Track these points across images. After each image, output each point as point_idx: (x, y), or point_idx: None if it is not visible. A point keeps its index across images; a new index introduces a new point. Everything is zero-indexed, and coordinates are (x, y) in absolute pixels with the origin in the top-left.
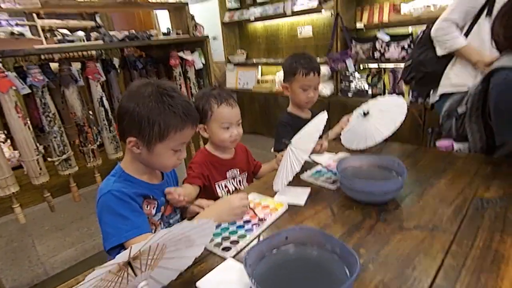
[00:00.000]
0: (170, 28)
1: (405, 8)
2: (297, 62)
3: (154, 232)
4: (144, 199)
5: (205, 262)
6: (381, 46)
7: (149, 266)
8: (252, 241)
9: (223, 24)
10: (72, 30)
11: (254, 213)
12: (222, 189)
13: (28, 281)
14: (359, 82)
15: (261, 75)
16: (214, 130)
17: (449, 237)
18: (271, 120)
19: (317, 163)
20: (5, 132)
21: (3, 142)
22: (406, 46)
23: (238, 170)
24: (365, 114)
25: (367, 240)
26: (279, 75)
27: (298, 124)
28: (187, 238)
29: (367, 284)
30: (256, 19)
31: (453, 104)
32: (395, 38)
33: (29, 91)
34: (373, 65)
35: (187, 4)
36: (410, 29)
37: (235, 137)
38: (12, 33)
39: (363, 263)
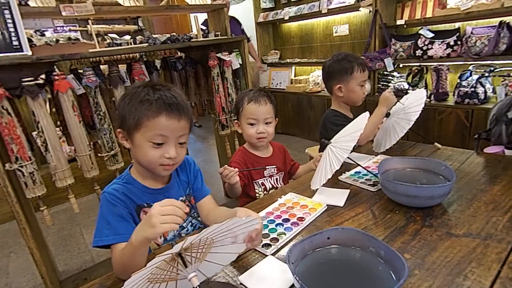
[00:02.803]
0: (208, 29)
1: (452, 2)
2: (351, 60)
3: (161, 238)
4: (141, 209)
5: (246, 258)
6: (424, 44)
7: (197, 259)
8: (291, 239)
9: (257, 24)
10: (118, 34)
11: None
12: (260, 186)
13: (77, 266)
14: (398, 81)
15: (295, 75)
16: (243, 125)
17: (506, 247)
18: (304, 121)
19: (356, 164)
20: (61, 129)
21: (60, 138)
22: (452, 43)
23: (275, 168)
24: (387, 116)
25: (412, 245)
26: (313, 75)
27: (346, 121)
28: (233, 234)
29: None
30: (291, 19)
31: (502, 107)
32: (439, 34)
33: (84, 91)
34: (414, 64)
35: (225, 5)
36: (457, 24)
37: (262, 135)
38: (69, 38)
39: (408, 268)
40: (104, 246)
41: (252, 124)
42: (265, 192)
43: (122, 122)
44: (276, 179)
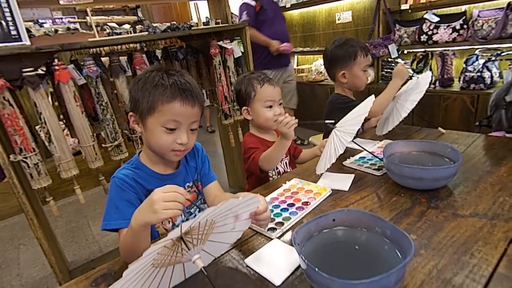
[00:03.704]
0: (209, 17)
1: None
2: (354, 45)
3: (169, 223)
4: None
5: (252, 242)
6: (429, 28)
7: (200, 241)
8: (296, 223)
9: None
10: (118, 25)
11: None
12: (274, 170)
13: (86, 256)
14: None
15: (297, 64)
16: (258, 110)
17: None
18: (307, 110)
19: (361, 149)
20: (64, 122)
21: (63, 131)
22: (458, 27)
23: None
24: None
25: (417, 227)
26: (316, 63)
27: (352, 104)
28: (234, 214)
29: (420, 270)
30: (293, 6)
31: (500, 93)
32: (445, 18)
33: (85, 81)
34: (419, 50)
35: None
36: (463, 7)
37: (278, 116)
38: (68, 29)
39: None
40: (112, 229)
41: (269, 107)
42: (278, 175)
43: (135, 105)
44: (286, 163)
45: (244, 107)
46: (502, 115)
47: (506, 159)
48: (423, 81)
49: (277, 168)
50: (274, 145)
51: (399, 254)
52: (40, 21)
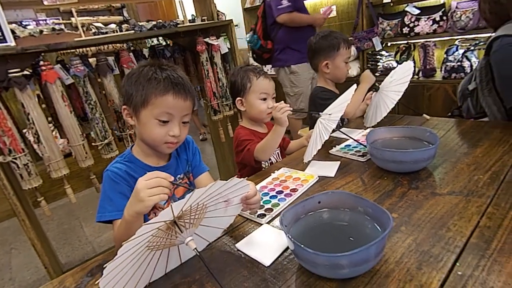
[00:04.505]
0: (195, 15)
1: None
2: (337, 37)
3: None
4: None
5: (242, 228)
6: (410, 21)
7: (192, 225)
8: (285, 209)
9: (245, 10)
10: (104, 24)
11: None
12: (267, 161)
13: (79, 257)
14: (386, 60)
15: None
16: (252, 101)
17: (486, 201)
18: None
19: (347, 138)
20: (53, 122)
21: (52, 131)
22: (438, 19)
23: None
24: (376, 90)
25: (399, 206)
26: None
27: (333, 96)
28: (224, 198)
29: (400, 244)
30: None
31: (464, 83)
32: (425, 10)
33: (73, 81)
34: (402, 42)
35: None
36: None
37: (271, 109)
38: (53, 29)
39: (395, 226)
40: (107, 221)
41: (263, 100)
42: (271, 165)
43: (128, 99)
44: (278, 153)
45: (238, 98)
46: (469, 103)
47: (481, 141)
48: (406, 71)
49: (269, 159)
50: (269, 134)
51: (379, 228)
52: (24, 22)
